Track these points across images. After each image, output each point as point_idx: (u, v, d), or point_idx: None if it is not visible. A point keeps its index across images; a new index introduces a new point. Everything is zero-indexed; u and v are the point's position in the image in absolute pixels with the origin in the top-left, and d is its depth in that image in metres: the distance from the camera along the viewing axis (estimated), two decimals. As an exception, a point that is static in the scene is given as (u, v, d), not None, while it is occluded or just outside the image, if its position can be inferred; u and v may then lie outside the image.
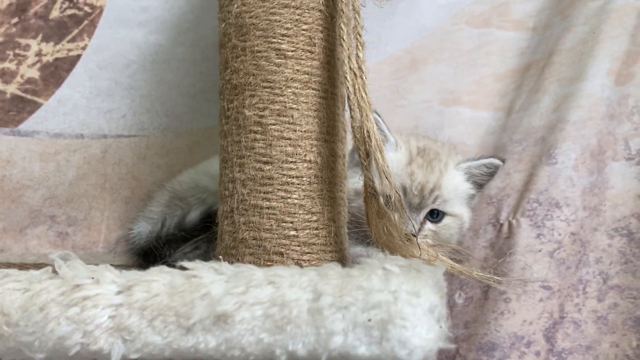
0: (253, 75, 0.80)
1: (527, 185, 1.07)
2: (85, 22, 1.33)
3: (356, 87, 0.76)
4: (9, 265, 1.31)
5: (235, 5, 0.83)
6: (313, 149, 0.80)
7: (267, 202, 0.78)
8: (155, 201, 1.08)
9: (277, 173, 0.79)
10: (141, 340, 0.52)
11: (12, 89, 1.33)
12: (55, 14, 1.34)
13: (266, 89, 0.80)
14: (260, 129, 0.80)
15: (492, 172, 0.99)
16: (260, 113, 0.80)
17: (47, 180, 1.31)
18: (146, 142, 1.30)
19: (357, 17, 0.80)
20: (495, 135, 1.15)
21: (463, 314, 1.08)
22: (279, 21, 0.80)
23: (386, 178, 0.73)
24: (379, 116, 0.96)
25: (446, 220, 0.96)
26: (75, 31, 1.33)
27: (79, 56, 1.32)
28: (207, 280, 0.53)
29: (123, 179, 1.30)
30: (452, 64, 1.19)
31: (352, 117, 0.75)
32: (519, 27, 1.18)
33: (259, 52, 0.80)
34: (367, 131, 0.73)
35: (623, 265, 1.03)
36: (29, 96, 1.33)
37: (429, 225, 0.95)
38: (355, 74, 0.76)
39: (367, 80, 0.77)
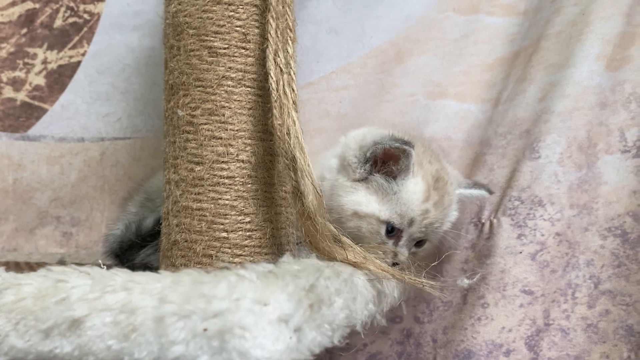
0: (186, 74, 0.79)
1: (509, 182, 0.99)
2: (85, 29, 1.37)
3: (280, 83, 0.73)
4: (16, 264, 1.38)
5: (172, 5, 0.82)
6: (247, 149, 0.78)
7: (198, 204, 0.77)
8: (132, 201, 1.10)
9: (208, 174, 0.77)
10: (7, 344, 0.52)
11: (21, 96, 1.40)
12: (58, 22, 1.39)
13: (198, 88, 0.79)
14: (192, 129, 0.78)
15: (478, 201, 0.98)
16: (192, 113, 0.79)
17: (52, 182, 1.37)
18: (140, 143, 1.32)
19: (288, 11, 0.77)
20: (482, 129, 1.08)
21: (442, 319, 1.02)
22: (212, 18, 0.79)
23: (307, 177, 0.69)
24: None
25: (427, 245, 0.92)
26: (76, 38, 1.38)
27: (79, 62, 1.37)
28: (70, 285, 0.53)
29: (120, 180, 1.34)
30: (439, 54, 1.13)
31: (273, 114, 0.72)
32: (509, 12, 1.10)
33: (192, 50, 0.79)
34: (288, 129, 0.70)
35: (616, 269, 0.93)
36: (36, 103, 1.39)
37: (412, 249, 0.90)
38: (281, 69, 0.73)
39: (294, 77, 0.74)
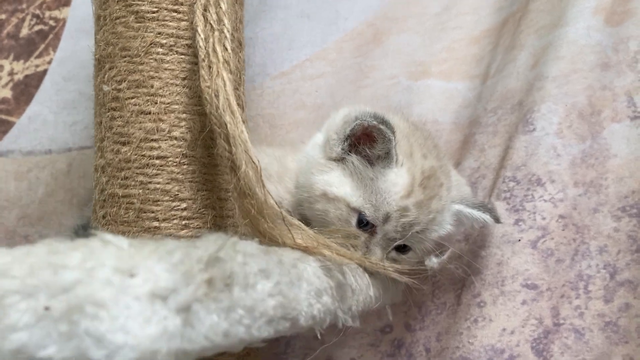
0: (112, 45, 0.70)
1: (502, 162, 0.86)
2: (51, 36, 1.30)
3: (210, 41, 0.62)
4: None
5: (98, -28, 0.73)
6: (181, 124, 0.68)
7: (125, 190, 0.66)
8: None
9: (136, 154, 0.67)
10: None
11: (-12, 110, 1.33)
12: (24, 32, 1.33)
13: (124, 59, 0.69)
14: (118, 105, 0.68)
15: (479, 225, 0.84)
16: (118, 87, 0.68)
17: (20, 199, 1.28)
18: (108, 152, 1.23)
19: (223, -36, 0.67)
20: (471, 108, 0.95)
21: (435, 324, 0.88)
22: (138, -20, 0.69)
23: (240, 145, 0.58)
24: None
25: (411, 254, 0.77)
26: (42, 46, 1.31)
27: (45, 71, 1.29)
28: None
29: (89, 193, 1.24)
30: (419, 31, 1.02)
31: (201, 76, 0.61)
32: (494, -22, 0.99)
33: (118, 18, 0.70)
34: (217, 91, 0.60)
35: (634, 255, 0.79)
36: (3, 116, 1.32)
37: (392, 254, 0.75)
38: (211, 26, 0.63)
39: (228, 35, 0.64)
